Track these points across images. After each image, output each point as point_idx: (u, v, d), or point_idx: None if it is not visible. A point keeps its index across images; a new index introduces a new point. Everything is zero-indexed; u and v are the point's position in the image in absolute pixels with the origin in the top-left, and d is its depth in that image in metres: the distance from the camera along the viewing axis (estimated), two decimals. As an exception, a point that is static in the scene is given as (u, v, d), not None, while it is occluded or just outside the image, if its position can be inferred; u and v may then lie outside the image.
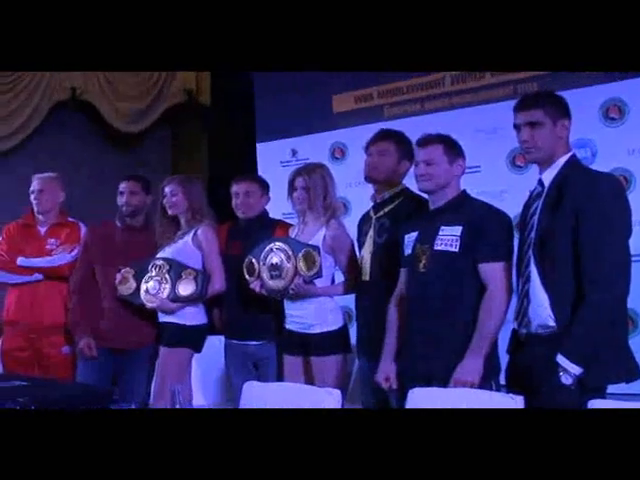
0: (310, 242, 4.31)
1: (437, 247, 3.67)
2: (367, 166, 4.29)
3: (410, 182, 4.21)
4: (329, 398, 3.33)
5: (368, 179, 4.30)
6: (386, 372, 3.86)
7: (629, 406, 2.69)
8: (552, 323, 3.27)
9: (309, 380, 4.31)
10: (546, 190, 3.37)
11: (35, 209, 5.38)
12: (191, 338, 4.74)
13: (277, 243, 4.39)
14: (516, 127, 3.44)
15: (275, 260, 4.34)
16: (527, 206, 3.49)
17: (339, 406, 3.33)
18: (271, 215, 5.01)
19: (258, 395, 3.55)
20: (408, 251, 3.83)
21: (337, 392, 3.36)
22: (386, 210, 4.21)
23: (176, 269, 4.66)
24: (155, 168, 8.10)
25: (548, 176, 3.38)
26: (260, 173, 6.35)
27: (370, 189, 4.36)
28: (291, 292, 4.29)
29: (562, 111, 3.40)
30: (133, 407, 3.13)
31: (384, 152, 4.25)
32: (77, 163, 7.87)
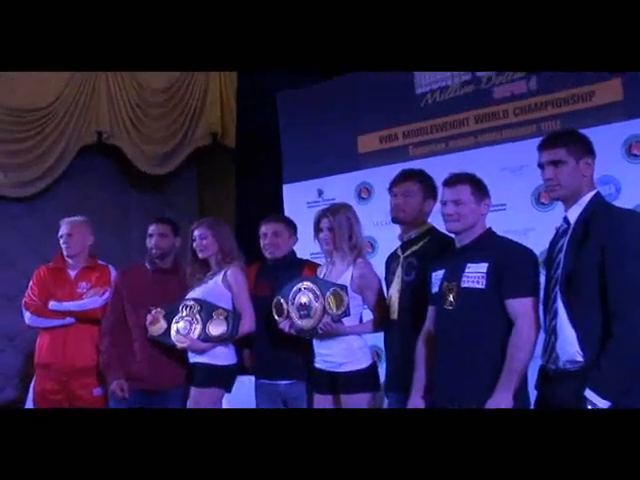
0: (338, 282, 4.35)
1: (464, 284, 3.72)
2: (393, 208, 4.34)
3: (434, 219, 4.27)
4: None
5: (395, 220, 4.36)
6: (415, 408, 3.89)
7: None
8: (580, 358, 3.30)
9: (339, 418, 4.34)
10: (572, 227, 3.41)
11: (65, 253, 5.44)
12: (222, 378, 4.77)
13: (305, 283, 4.44)
14: (540, 166, 3.49)
15: (304, 300, 4.39)
16: (553, 243, 3.52)
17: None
18: (299, 255, 5.06)
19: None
20: (435, 289, 3.88)
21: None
22: (414, 249, 4.26)
23: (207, 309, 4.71)
24: (182, 209, 8.19)
25: (573, 214, 3.42)
26: (287, 214, 6.38)
27: (397, 228, 4.41)
28: (320, 331, 4.33)
29: (585, 149, 3.45)
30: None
31: (408, 193, 4.30)
32: (103, 206, 7.95)
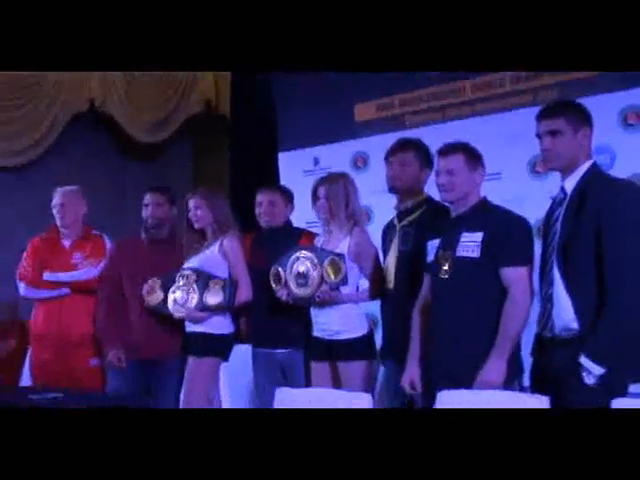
0: (335, 250, 4.35)
1: (459, 253, 3.72)
2: (390, 178, 4.35)
3: (430, 189, 4.28)
4: (359, 402, 3.41)
5: (392, 190, 4.37)
6: (411, 376, 3.92)
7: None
8: (576, 326, 3.33)
9: (336, 385, 4.36)
10: (568, 197, 3.42)
11: (58, 223, 5.40)
12: (219, 347, 4.77)
13: (303, 252, 4.44)
14: (538, 136, 3.49)
15: (301, 268, 4.39)
16: (550, 212, 3.55)
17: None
18: (295, 224, 5.07)
19: (289, 401, 3.61)
20: (431, 258, 3.90)
21: (367, 396, 3.45)
22: (410, 219, 4.28)
23: (204, 279, 4.70)
24: (176, 179, 8.13)
25: (570, 183, 3.43)
26: (282, 182, 6.39)
27: (393, 197, 4.42)
28: (317, 300, 4.33)
29: (583, 119, 3.45)
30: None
31: (405, 162, 4.31)
32: (96, 176, 7.91)
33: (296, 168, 6.85)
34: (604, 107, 4.85)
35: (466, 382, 3.57)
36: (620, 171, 4.53)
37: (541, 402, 3.14)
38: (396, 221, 4.35)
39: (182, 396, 4.86)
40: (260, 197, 4.88)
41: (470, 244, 3.69)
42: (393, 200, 4.43)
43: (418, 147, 4.36)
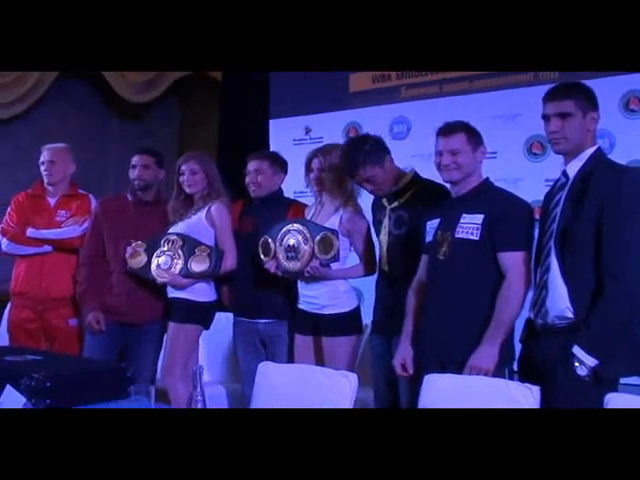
0: (326, 224, 4.30)
1: (458, 235, 3.67)
2: (376, 189, 4.17)
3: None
4: (345, 381, 3.37)
5: (380, 197, 4.26)
6: (403, 356, 3.86)
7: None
8: (570, 315, 3.27)
9: (319, 360, 4.35)
10: (570, 182, 3.35)
11: (45, 180, 5.33)
12: (200, 314, 4.72)
13: (295, 225, 4.36)
14: (545, 117, 3.40)
15: (292, 242, 4.32)
16: (550, 197, 3.47)
17: (355, 389, 3.33)
18: (285, 194, 4.95)
19: (273, 376, 3.56)
20: (429, 238, 3.83)
21: (353, 375, 3.39)
22: (401, 201, 4.16)
23: (190, 245, 4.63)
24: (162, 140, 8.02)
25: (573, 168, 3.36)
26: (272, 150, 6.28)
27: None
28: (307, 274, 4.27)
29: (592, 103, 3.38)
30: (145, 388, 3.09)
31: (377, 179, 4.10)
32: (82, 133, 7.80)
33: (286, 136, 6.75)
34: (606, 91, 4.73)
35: (457, 365, 3.55)
36: (619, 157, 4.44)
37: (532, 392, 3.09)
38: (386, 202, 4.22)
39: (161, 362, 4.85)
40: (249, 165, 4.75)
41: (470, 226, 3.64)
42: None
43: (376, 157, 4.10)
